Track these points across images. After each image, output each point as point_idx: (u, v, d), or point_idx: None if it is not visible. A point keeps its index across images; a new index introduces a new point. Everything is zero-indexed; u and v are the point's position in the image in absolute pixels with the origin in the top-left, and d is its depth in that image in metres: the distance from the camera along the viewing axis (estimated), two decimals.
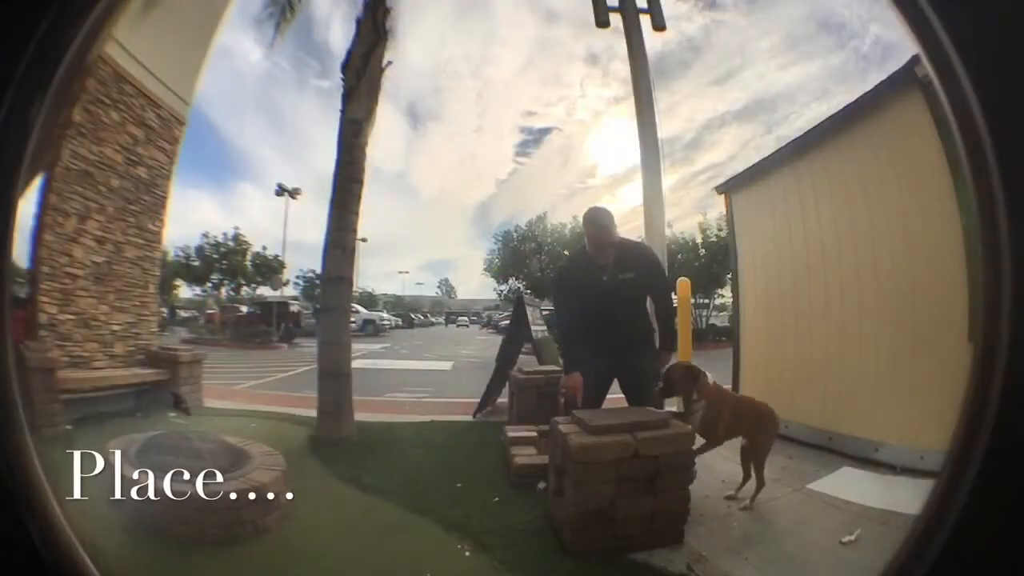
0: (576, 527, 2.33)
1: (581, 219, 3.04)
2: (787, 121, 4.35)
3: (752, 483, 2.75)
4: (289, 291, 6.05)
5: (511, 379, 4.11)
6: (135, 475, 2.47)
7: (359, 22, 3.95)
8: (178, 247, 5.48)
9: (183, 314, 5.88)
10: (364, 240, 4.09)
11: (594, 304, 2.92)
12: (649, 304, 3.04)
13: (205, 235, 5.69)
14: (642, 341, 3.00)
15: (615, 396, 2.93)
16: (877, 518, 2.37)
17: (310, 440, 3.51)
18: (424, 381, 5.13)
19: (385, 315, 6.71)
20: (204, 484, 2.45)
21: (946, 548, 0.82)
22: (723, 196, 4.34)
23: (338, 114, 3.85)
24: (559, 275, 3.16)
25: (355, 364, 3.83)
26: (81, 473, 2.49)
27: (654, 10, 3.74)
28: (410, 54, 4.27)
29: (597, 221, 2.93)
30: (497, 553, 2.34)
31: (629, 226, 5.40)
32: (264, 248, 5.97)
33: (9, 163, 0.96)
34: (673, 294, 3.52)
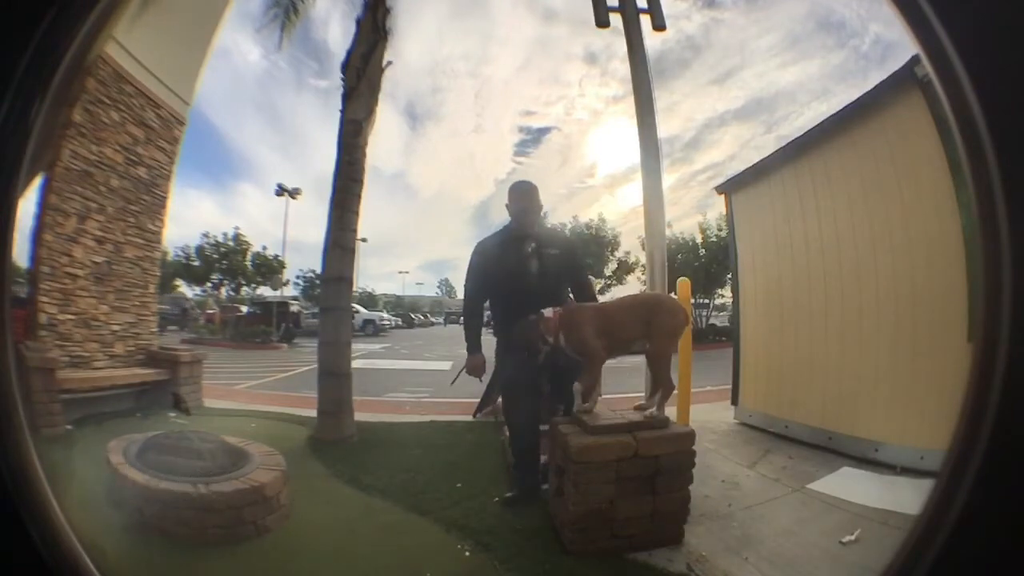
0: (576, 527, 2.33)
1: (510, 193, 2.91)
2: (787, 120, 4.36)
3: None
4: (289, 291, 6.06)
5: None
6: (135, 475, 2.47)
7: (359, 22, 3.95)
8: (178, 247, 5.48)
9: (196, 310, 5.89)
10: (364, 240, 4.09)
11: (515, 278, 2.78)
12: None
13: (205, 235, 5.70)
14: None
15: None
16: (877, 518, 2.37)
17: (310, 440, 3.51)
18: (424, 381, 5.12)
19: (385, 315, 6.71)
20: (204, 484, 2.46)
21: (946, 548, 0.82)
22: (723, 196, 4.34)
23: (338, 114, 3.86)
24: (475, 253, 2.94)
25: (355, 364, 3.83)
26: (82, 473, 2.50)
27: (654, 10, 3.74)
28: (408, 53, 4.28)
29: (532, 197, 2.86)
30: (497, 553, 2.34)
31: (629, 226, 5.40)
32: (264, 248, 5.98)
33: (9, 163, 0.96)
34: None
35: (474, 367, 2.87)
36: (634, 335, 2.62)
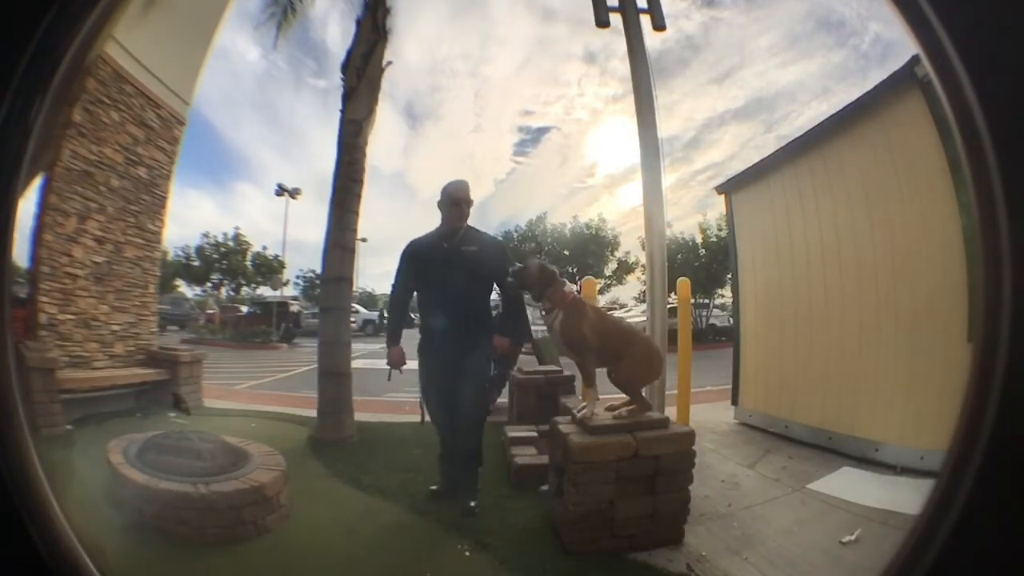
0: (576, 527, 2.33)
1: (441, 192, 2.93)
2: (787, 120, 4.35)
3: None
4: (289, 291, 6.05)
5: (511, 379, 4.11)
6: (135, 475, 2.47)
7: (359, 22, 3.95)
8: (178, 247, 5.47)
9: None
10: (364, 240, 4.09)
11: (433, 274, 2.84)
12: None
13: (205, 235, 5.69)
14: (478, 330, 2.82)
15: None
16: (877, 518, 2.37)
17: (310, 440, 3.51)
18: None
19: (386, 315, 6.70)
20: (204, 484, 2.46)
21: (946, 548, 0.82)
22: (723, 196, 4.34)
23: (338, 114, 3.86)
24: (403, 251, 3.03)
25: (355, 364, 3.83)
26: (82, 473, 2.50)
27: (654, 10, 3.74)
28: (407, 53, 4.27)
29: (457, 195, 2.88)
30: (497, 553, 2.34)
31: (629, 226, 5.39)
32: (264, 248, 5.97)
33: (9, 163, 0.96)
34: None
35: (392, 359, 2.89)
36: (611, 356, 2.62)
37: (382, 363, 2.95)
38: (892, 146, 3.06)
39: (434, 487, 2.85)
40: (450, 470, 2.88)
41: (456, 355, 2.79)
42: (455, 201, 2.90)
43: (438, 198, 2.97)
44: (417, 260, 2.92)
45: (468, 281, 2.80)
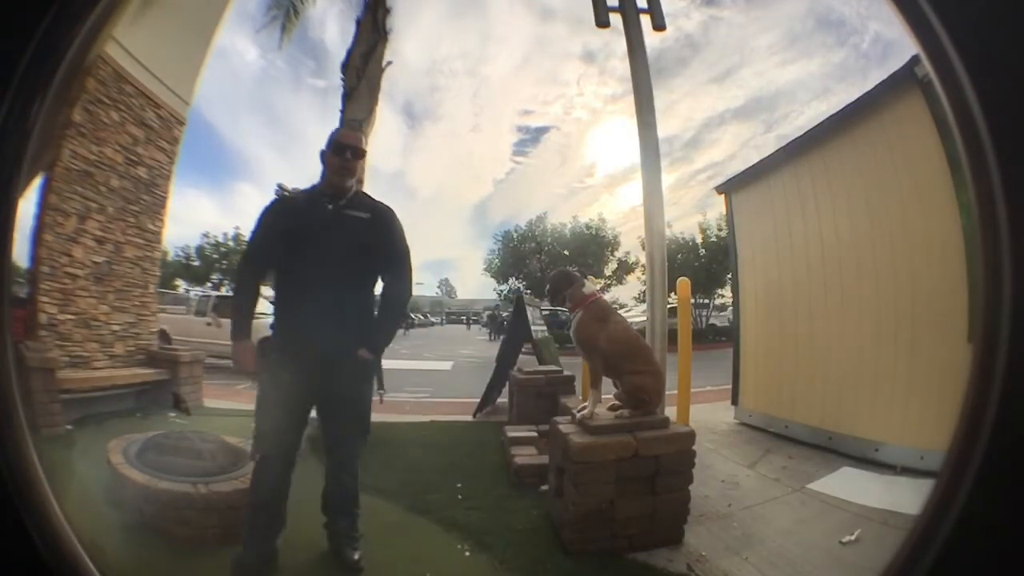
0: (576, 527, 2.33)
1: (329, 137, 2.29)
2: (787, 120, 4.35)
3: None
4: None
5: (511, 379, 4.11)
6: (135, 475, 2.47)
7: (359, 22, 3.96)
8: (178, 247, 5.47)
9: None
10: None
11: (307, 244, 2.09)
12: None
13: (205, 235, 5.69)
14: (357, 333, 2.13)
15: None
16: (877, 518, 2.37)
17: (310, 440, 3.51)
18: (424, 381, 5.12)
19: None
20: (204, 484, 2.46)
21: (946, 548, 0.82)
22: (723, 196, 4.34)
23: (338, 114, 3.87)
24: (267, 206, 2.28)
25: None
26: (82, 473, 2.50)
27: (654, 10, 3.74)
28: (406, 53, 4.28)
29: (349, 143, 2.21)
30: (497, 553, 2.34)
31: (629, 226, 5.39)
32: None
33: (9, 163, 0.96)
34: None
35: (238, 359, 2.16)
36: (618, 368, 2.59)
37: (382, 363, 2.86)
38: (892, 146, 3.06)
39: (239, 558, 2.07)
40: (258, 531, 2.12)
41: (325, 365, 2.09)
42: (339, 146, 2.19)
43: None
44: (288, 223, 2.15)
45: (354, 260, 2.12)
